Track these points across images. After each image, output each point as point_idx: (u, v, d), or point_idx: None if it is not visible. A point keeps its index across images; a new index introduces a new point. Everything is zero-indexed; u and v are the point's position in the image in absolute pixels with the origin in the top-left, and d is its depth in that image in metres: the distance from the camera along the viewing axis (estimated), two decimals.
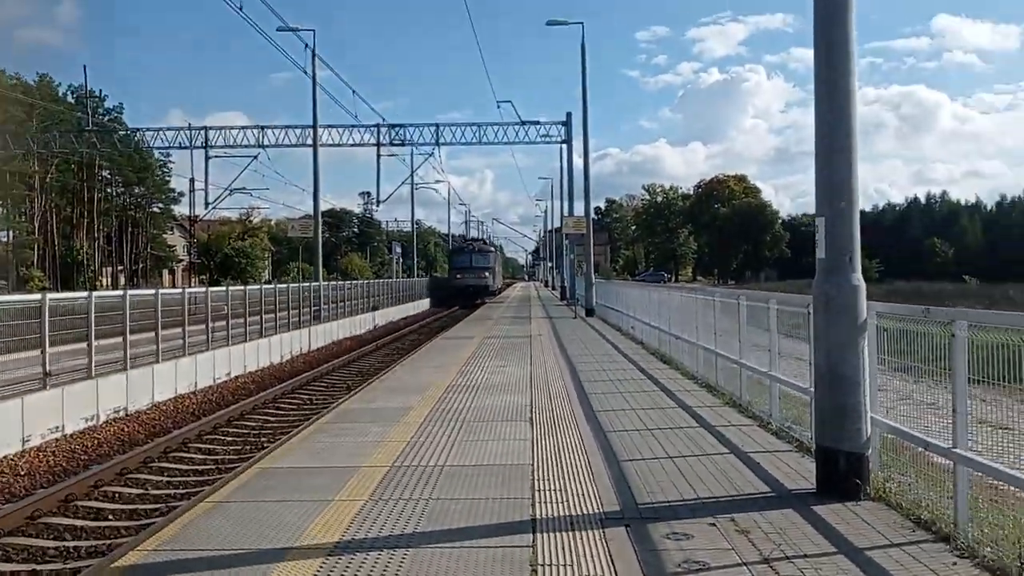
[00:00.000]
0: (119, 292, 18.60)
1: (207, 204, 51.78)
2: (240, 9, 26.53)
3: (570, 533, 6.00)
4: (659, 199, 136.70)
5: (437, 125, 50.11)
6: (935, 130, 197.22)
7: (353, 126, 48.03)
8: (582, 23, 38.30)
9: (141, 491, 10.92)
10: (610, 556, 5.55)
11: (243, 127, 49.77)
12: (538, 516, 6.39)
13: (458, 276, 63.12)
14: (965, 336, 5.80)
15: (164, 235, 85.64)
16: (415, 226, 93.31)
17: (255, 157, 47.94)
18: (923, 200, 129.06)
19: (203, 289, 23.06)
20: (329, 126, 47.00)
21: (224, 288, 24.19)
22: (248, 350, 22.99)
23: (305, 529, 6.05)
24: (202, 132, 48.54)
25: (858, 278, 6.91)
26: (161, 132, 50.37)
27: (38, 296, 14.36)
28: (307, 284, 32.44)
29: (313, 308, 30.94)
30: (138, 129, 53.81)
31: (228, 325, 22.06)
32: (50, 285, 59.18)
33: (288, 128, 48.42)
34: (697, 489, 7.19)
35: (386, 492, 7.08)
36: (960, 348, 5.82)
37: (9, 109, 55.86)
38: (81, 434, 13.84)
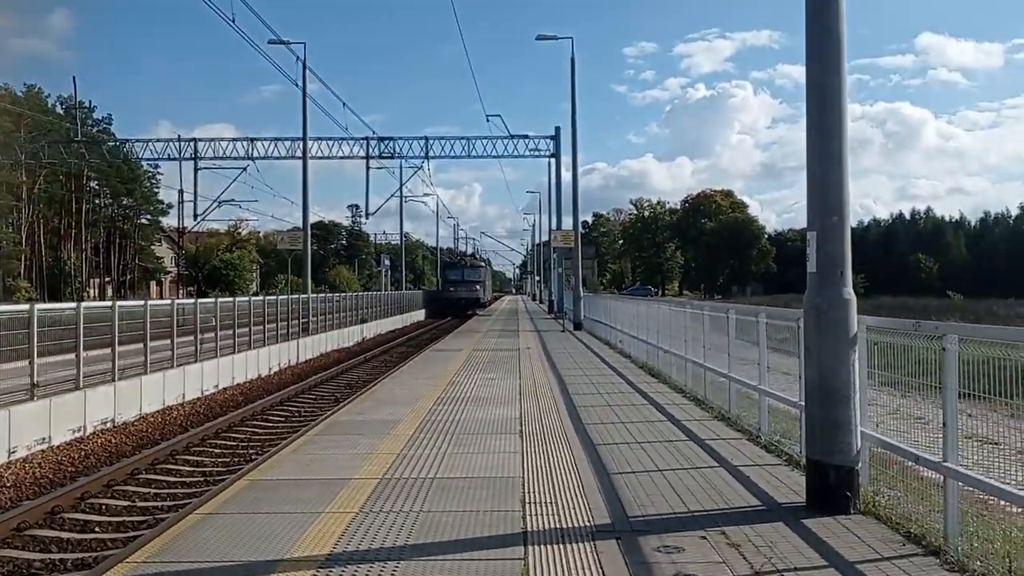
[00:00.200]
0: (108, 303, 18.51)
1: (196, 216, 51.72)
2: (232, 21, 26.55)
3: (561, 546, 5.99)
4: (646, 214, 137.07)
5: (426, 138, 50.34)
6: (919, 147, 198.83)
7: (343, 138, 48.20)
8: (571, 38, 38.60)
9: (128, 503, 10.85)
10: (601, 569, 5.54)
11: (232, 139, 49.93)
12: (529, 529, 6.38)
13: (451, 289, 67.28)
14: (955, 350, 5.84)
15: (152, 247, 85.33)
16: (403, 239, 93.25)
17: (244, 169, 48.02)
18: (908, 216, 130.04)
19: (192, 301, 22.96)
20: (318, 138, 47.15)
21: (213, 300, 24.09)
22: (236, 362, 22.91)
23: (295, 541, 6.03)
24: (191, 144, 48.55)
25: (849, 292, 6.95)
26: (150, 143, 50.41)
27: (26, 307, 14.27)
28: (295, 296, 32.36)
29: (301, 320, 30.85)
30: (127, 140, 53.78)
31: (217, 337, 21.97)
32: (37, 296, 58.86)
33: (277, 140, 48.59)
34: (687, 502, 7.20)
35: (376, 504, 7.06)
36: (950, 362, 5.86)
37: None
38: (68, 445, 13.75)
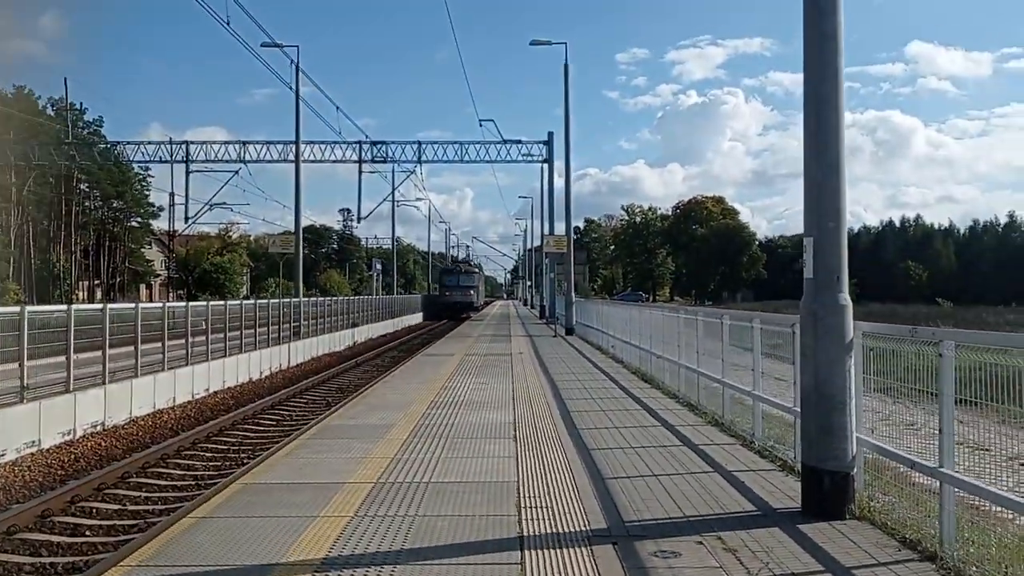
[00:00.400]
0: (99, 305, 18.41)
1: (187, 219, 51.48)
2: (228, 24, 26.50)
3: (557, 550, 5.98)
4: (638, 220, 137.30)
5: (419, 142, 50.30)
6: (909, 155, 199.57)
7: (335, 142, 48.15)
8: (565, 43, 38.54)
9: (119, 507, 10.77)
10: (598, 574, 5.54)
11: (224, 142, 49.93)
12: (525, 533, 6.36)
13: (447, 293, 71.91)
14: (952, 356, 5.85)
15: (142, 250, 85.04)
16: (395, 243, 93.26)
17: (236, 172, 47.86)
18: (898, 224, 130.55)
19: (183, 304, 22.87)
20: (311, 142, 47.04)
21: (204, 303, 24.01)
22: (228, 365, 22.83)
23: (291, 545, 6.00)
24: (183, 146, 48.38)
25: (845, 298, 6.97)
26: (142, 146, 50.22)
27: (17, 309, 14.18)
28: (287, 300, 32.25)
29: (293, 324, 30.77)
30: (118, 142, 53.52)
31: (207, 340, 21.88)
32: (26, 298, 58.48)
33: (269, 143, 48.41)
34: (683, 507, 7.20)
35: (371, 509, 7.04)
36: (947, 368, 5.88)
37: None
38: (58, 448, 13.66)
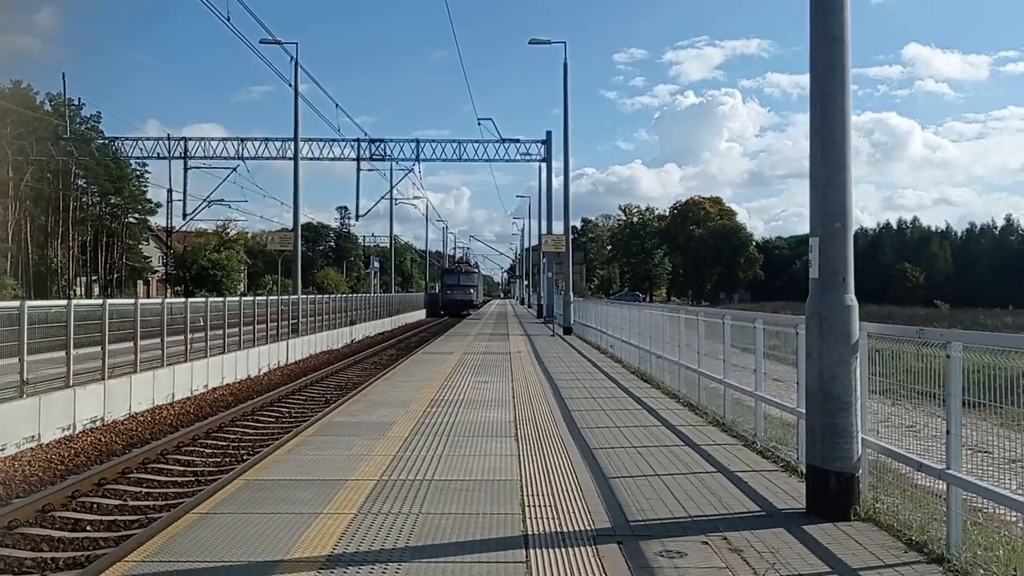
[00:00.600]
0: (98, 301, 18.38)
1: (185, 215, 51.45)
2: (228, 20, 26.48)
3: (562, 549, 5.96)
4: (635, 220, 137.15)
5: (417, 141, 50.35)
6: (906, 157, 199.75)
7: (333, 140, 48.13)
8: (564, 43, 38.42)
9: (120, 502, 10.76)
10: (604, 573, 5.52)
11: (223, 138, 49.70)
12: (529, 532, 6.34)
13: (449, 291, 78.10)
14: (960, 357, 5.84)
15: (139, 246, 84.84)
16: (393, 241, 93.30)
17: (235, 169, 47.79)
18: (895, 225, 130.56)
19: (182, 300, 22.83)
20: (309, 139, 47.02)
21: (203, 300, 23.97)
22: (226, 362, 22.80)
23: (295, 542, 5.98)
24: (181, 142, 48.33)
25: (851, 298, 6.96)
26: (140, 142, 50.16)
27: (17, 303, 14.13)
28: (285, 297, 32.23)
29: (291, 321, 30.75)
30: (116, 138, 53.44)
31: (207, 336, 21.86)
32: (23, 294, 58.33)
33: (268, 140, 48.39)
34: (687, 507, 7.18)
35: (375, 506, 7.02)
36: (955, 370, 5.86)
37: None
38: (58, 444, 13.64)
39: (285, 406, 19.32)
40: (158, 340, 18.89)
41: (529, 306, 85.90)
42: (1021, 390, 5.44)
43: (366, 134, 50.61)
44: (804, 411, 8.36)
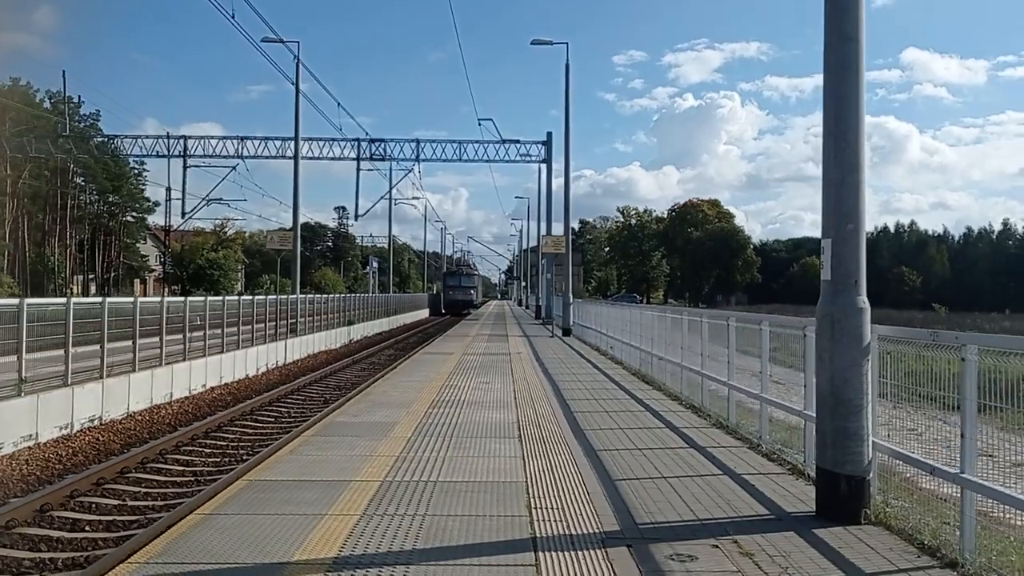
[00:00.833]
0: (98, 299, 18.24)
1: (183, 214, 51.32)
2: (232, 17, 26.37)
3: (572, 552, 5.88)
4: (633, 222, 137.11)
5: (417, 141, 50.30)
6: (904, 161, 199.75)
7: (333, 139, 48.02)
8: (567, 43, 38.37)
9: (119, 502, 10.66)
10: None
11: (222, 137, 49.58)
12: (538, 534, 6.27)
13: (450, 292, 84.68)
14: (975, 360, 5.77)
15: (137, 244, 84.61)
16: (392, 241, 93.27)
17: (234, 168, 47.68)
18: (892, 229, 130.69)
19: (181, 299, 22.71)
20: (309, 138, 46.92)
21: (202, 298, 23.86)
22: (224, 361, 22.70)
23: (301, 544, 5.89)
24: (180, 141, 48.21)
25: (863, 301, 6.89)
26: (139, 140, 50.04)
27: (16, 301, 14.03)
28: (284, 297, 32.13)
29: (289, 321, 30.65)
30: (115, 136, 53.28)
31: (205, 336, 21.76)
32: (20, 292, 58.17)
33: (267, 139, 48.28)
34: (695, 510, 7.11)
35: (380, 507, 6.94)
36: (970, 373, 5.79)
37: None
38: (55, 443, 13.54)
39: (284, 406, 19.22)
40: (156, 339, 18.79)
41: (527, 307, 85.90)
42: (1022, 393, 5.43)
43: (367, 134, 50.55)
44: (811, 414, 8.31)
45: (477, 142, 49.39)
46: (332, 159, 49.00)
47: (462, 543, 6.04)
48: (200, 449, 14.10)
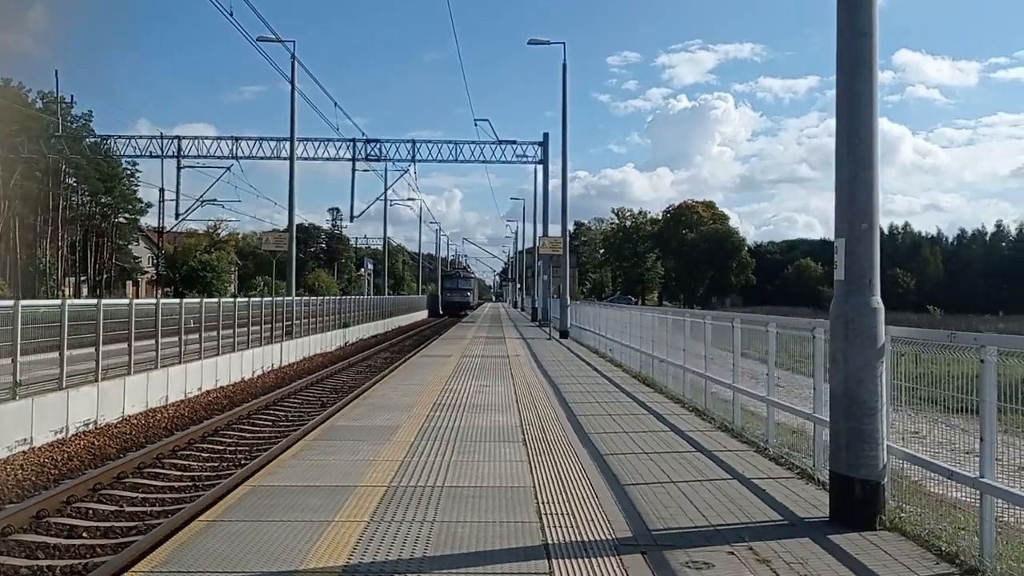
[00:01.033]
0: (93, 301, 18.08)
1: (178, 215, 51.05)
2: (231, 15, 26.19)
3: (586, 560, 5.76)
4: (627, 223, 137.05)
5: (413, 141, 50.08)
6: (896, 162, 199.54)
7: (329, 140, 47.85)
8: (564, 43, 38.15)
9: (116, 508, 10.48)
10: None
11: (216, 137, 49.36)
12: (550, 541, 6.14)
13: (448, 294, 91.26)
14: (994, 362, 5.66)
15: (129, 246, 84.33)
16: (387, 243, 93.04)
17: (228, 168, 47.43)
18: (886, 231, 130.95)
19: (176, 301, 22.54)
20: (304, 139, 46.71)
21: (197, 301, 23.68)
22: (220, 364, 22.53)
23: (309, 551, 5.75)
24: (174, 141, 47.95)
25: (878, 301, 6.78)
26: (133, 140, 49.74)
27: (10, 303, 13.85)
28: (279, 299, 31.94)
29: (285, 323, 30.47)
30: (108, 136, 52.93)
31: (201, 338, 21.59)
32: (11, 294, 57.85)
33: (262, 140, 48.05)
34: (707, 515, 6.99)
35: (387, 513, 6.80)
36: (989, 375, 5.68)
37: None
38: (50, 447, 13.37)
39: (282, 410, 19.05)
40: (152, 342, 18.61)
41: (522, 309, 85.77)
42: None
43: (363, 134, 50.39)
44: (820, 417, 8.22)
45: (473, 143, 49.30)
46: (327, 159, 48.83)
47: (473, 550, 5.90)
48: (198, 454, 13.94)
